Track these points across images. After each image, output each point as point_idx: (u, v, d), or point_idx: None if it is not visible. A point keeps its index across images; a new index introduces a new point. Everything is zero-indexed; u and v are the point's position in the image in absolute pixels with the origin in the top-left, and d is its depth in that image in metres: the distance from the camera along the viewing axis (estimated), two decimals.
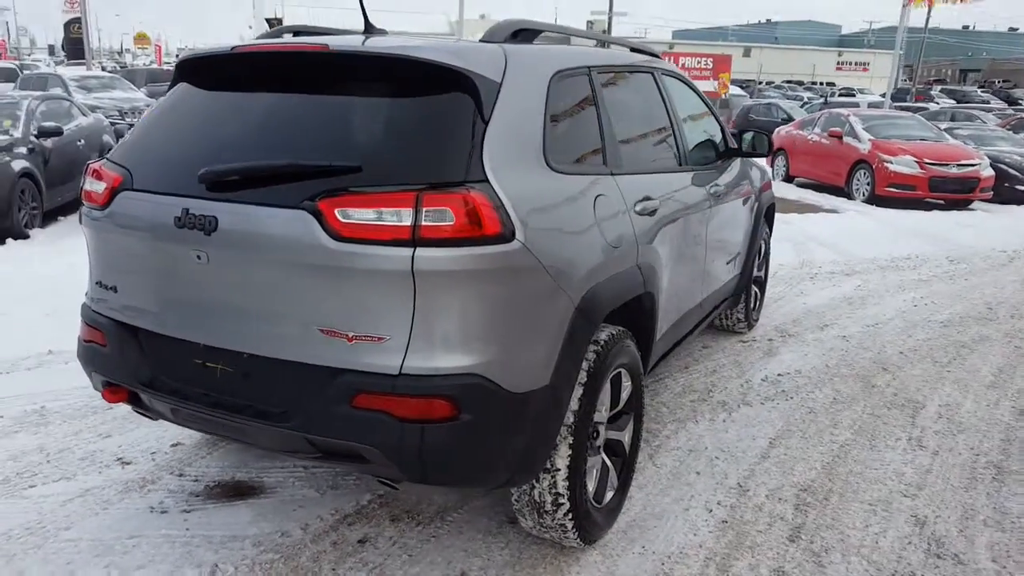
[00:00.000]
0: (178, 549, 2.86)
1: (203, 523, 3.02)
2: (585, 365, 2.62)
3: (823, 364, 4.91)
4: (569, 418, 2.56)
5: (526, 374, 2.34)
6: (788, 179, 14.97)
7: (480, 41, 2.66)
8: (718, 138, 4.51)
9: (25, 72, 21.37)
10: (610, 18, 43.58)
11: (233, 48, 2.66)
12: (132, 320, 2.65)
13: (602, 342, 2.71)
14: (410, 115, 2.34)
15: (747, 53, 74.60)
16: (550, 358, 2.40)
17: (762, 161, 16.08)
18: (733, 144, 4.55)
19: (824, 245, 8.74)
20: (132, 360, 2.67)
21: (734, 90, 34.98)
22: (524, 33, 2.84)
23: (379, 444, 2.23)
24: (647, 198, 3.07)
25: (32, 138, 8.08)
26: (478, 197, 2.17)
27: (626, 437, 3.08)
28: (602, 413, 2.82)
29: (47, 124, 8.24)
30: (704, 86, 23.27)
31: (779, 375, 4.69)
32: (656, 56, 4.06)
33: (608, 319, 2.81)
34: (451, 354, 2.21)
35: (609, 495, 2.96)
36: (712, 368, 4.77)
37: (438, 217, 2.13)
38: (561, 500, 2.61)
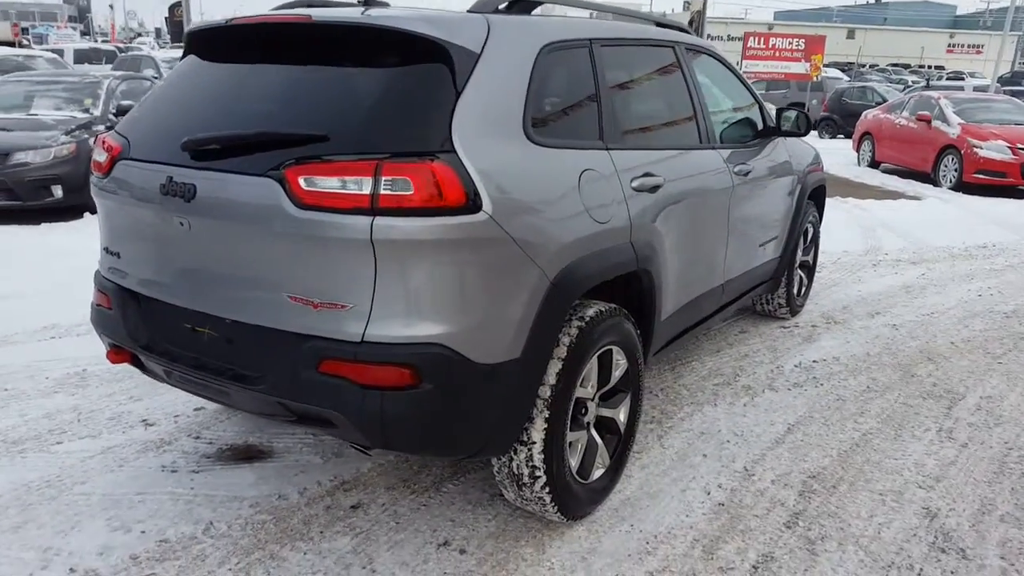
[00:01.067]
0: (180, 506, 2.99)
1: (208, 483, 3.15)
2: (566, 340, 2.60)
3: (864, 352, 4.72)
4: (545, 392, 2.55)
5: (494, 346, 2.34)
6: (874, 164, 14.39)
7: (468, 11, 2.66)
8: (755, 117, 4.38)
9: (122, 54, 22.44)
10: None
11: (228, 20, 2.74)
12: (132, 285, 2.78)
13: (588, 318, 2.68)
14: (383, 85, 2.36)
15: (851, 35, 71.68)
16: (521, 331, 2.40)
17: (840, 144, 15.41)
18: (772, 123, 4.42)
19: (895, 232, 8.37)
20: (133, 323, 2.80)
21: (834, 73, 33.71)
22: (522, 4, 2.82)
23: (343, 409, 2.27)
24: (648, 174, 3.01)
25: (111, 116, 8.50)
26: (441, 167, 2.18)
27: (621, 415, 3.04)
28: (588, 389, 2.79)
29: (125, 103, 8.66)
30: (795, 68, 22.54)
31: (813, 362, 4.54)
32: (685, 31, 3.96)
33: (597, 295, 2.79)
34: (413, 323, 2.22)
35: (598, 472, 2.93)
36: (744, 352, 4.65)
37: (398, 186, 2.15)
38: (538, 473, 2.60)
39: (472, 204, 2.22)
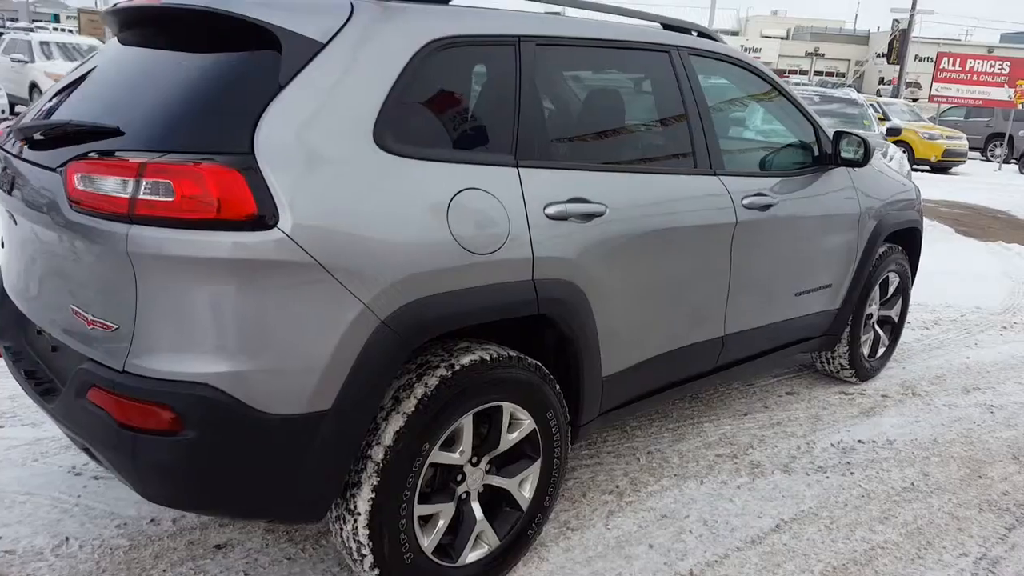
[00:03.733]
0: (54, 515, 2.80)
1: (97, 494, 2.95)
2: (419, 391, 2.15)
3: (930, 437, 3.84)
4: (378, 453, 2.11)
5: (288, 393, 1.94)
6: None
7: None
8: (807, 142, 3.66)
9: None
10: (911, 16, 39.25)
11: (115, 4, 2.51)
12: (3, 280, 2.62)
13: (459, 367, 2.22)
14: (196, 75, 2.02)
15: None
16: (331, 378, 1.97)
17: None
18: (828, 150, 3.68)
19: None
20: (3, 320, 2.64)
21: None
22: None
23: (101, 448, 1.98)
24: (579, 200, 2.48)
25: None
26: (215, 171, 1.81)
27: (525, 489, 2.53)
28: (456, 454, 2.31)
29: None
30: (995, 93, 20.20)
31: (858, 442, 3.73)
32: (709, 36, 3.34)
33: (484, 337, 2.36)
34: (179, 358, 1.87)
35: (476, 554, 2.44)
36: (776, 420, 3.92)
37: (158, 191, 1.80)
38: (364, 551, 2.16)
39: (261, 218, 1.83)
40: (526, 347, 2.55)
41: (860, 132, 3.66)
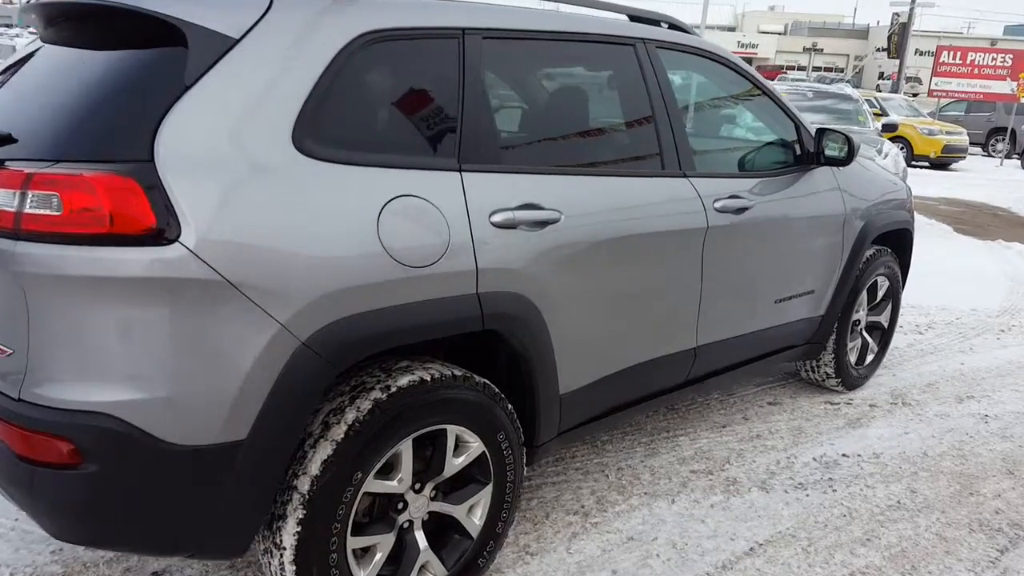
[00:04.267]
0: None
1: None
2: (350, 416, 1.99)
3: (920, 450, 3.67)
4: (304, 484, 1.95)
5: (197, 423, 1.78)
6: None
7: None
8: (787, 141, 3.49)
9: None
10: (911, 10, 38.95)
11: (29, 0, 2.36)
12: None
13: (395, 388, 2.06)
14: (97, 76, 1.87)
15: None
16: (245, 405, 1.81)
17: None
18: (811, 148, 3.51)
19: None
20: None
21: None
22: None
23: (1, 482, 1.82)
24: (531, 206, 2.31)
25: None
26: (108, 180, 1.65)
27: (476, 516, 2.37)
28: (394, 483, 2.14)
29: None
30: (997, 87, 19.96)
31: (843, 455, 3.56)
32: (681, 28, 3.17)
33: (429, 355, 2.21)
34: (76, 385, 1.72)
35: None
36: (756, 432, 3.74)
37: (45, 204, 1.65)
38: None
39: (161, 233, 1.68)
40: (476, 364, 2.39)
41: (854, 128, 3.49)
